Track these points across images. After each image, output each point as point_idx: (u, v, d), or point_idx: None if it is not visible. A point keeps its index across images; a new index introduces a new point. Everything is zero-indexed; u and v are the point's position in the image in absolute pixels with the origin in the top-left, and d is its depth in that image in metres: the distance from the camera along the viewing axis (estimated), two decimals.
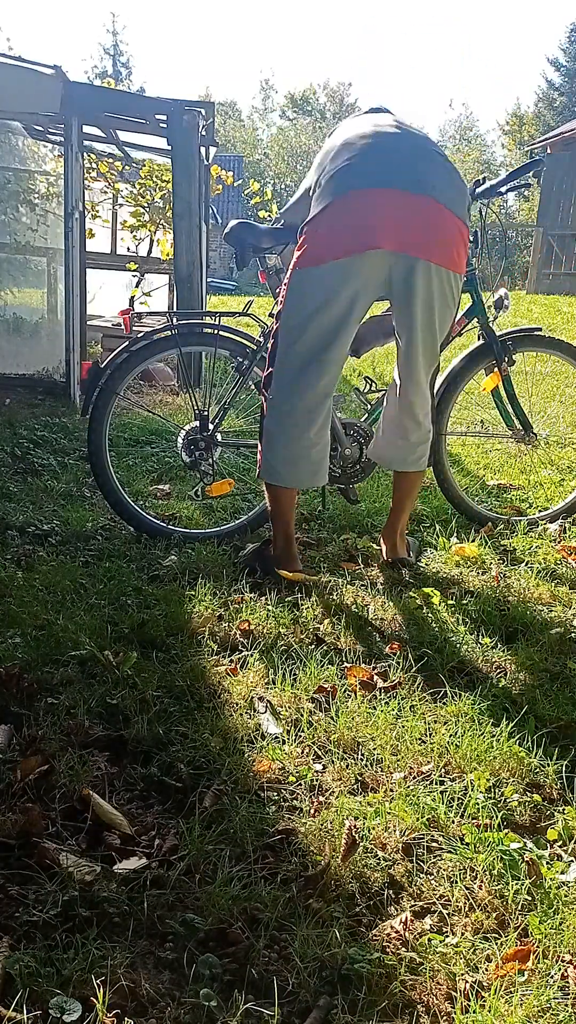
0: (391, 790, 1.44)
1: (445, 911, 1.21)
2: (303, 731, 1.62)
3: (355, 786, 1.47)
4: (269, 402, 2.32)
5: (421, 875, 1.27)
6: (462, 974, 1.09)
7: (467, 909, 1.21)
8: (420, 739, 1.59)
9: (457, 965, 1.10)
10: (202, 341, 2.69)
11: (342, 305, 2.17)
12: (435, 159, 2.17)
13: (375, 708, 1.68)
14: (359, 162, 2.13)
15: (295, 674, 1.81)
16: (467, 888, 1.24)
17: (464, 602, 2.24)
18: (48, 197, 6.13)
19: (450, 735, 1.59)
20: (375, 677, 1.83)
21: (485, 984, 1.07)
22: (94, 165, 6.76)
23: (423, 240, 2.11)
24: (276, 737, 1.59)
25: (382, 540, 2.58)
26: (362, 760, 1.53)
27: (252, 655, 1.90)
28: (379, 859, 1.29)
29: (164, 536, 2.67)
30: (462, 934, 1.16)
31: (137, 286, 7.16)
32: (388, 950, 1.12)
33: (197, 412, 2.68)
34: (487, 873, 1.25)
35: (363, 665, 1.89)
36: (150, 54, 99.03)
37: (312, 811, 1.39)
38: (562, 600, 2.28)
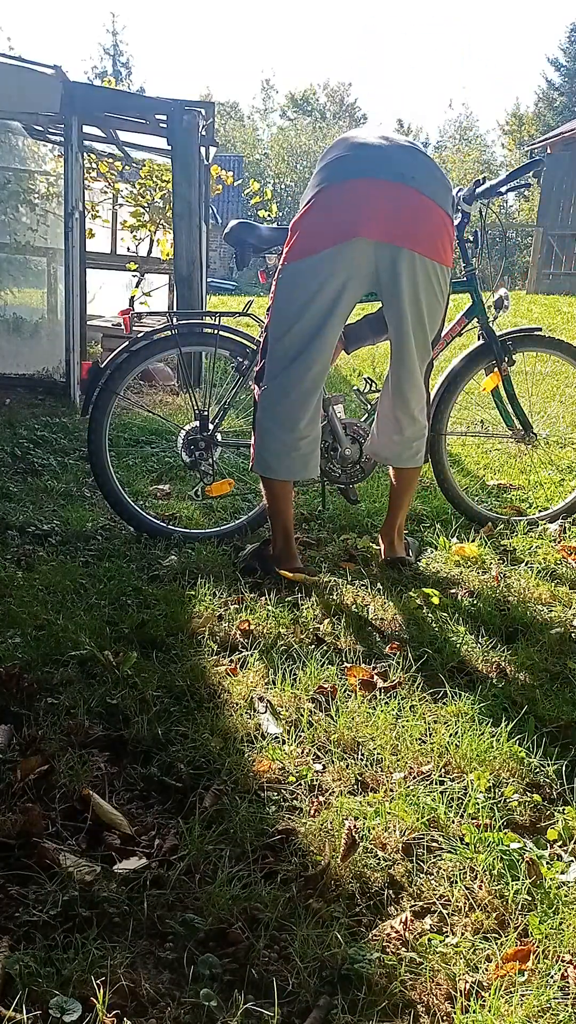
0: (391, 790, 1.44)
1: (445, 911, 1.21)
2: (303, 731, 1.62)
3: (355, 786, 1.47)
4: (261, 395, 2.34)
5: (421, 875, 1.27)
6: (462, 974, 1.09)
7: (467, 909, 1.21)
8: (420, 739, 1.59)
9: (457, 965, 1.10)
10: (202, 341, 2.69)
11: (329, 296, 2.20)
12: (417, 156, 2.21)
13: (375, 708, 1.68)
14: (342, 159, 2.19)
15: (295, 674, 1.81)
16: (467, 888, 1.24)
17: (464, 602, 2.24)
18: (48, 197, 6.13)
19: (450, 735, 1.59)
20: (375, 677, 1.83)
21: (485, 984, 1.07)
22: (94, 165, 6.76)
23: (406, 230, 2.14)
24: (276, 737, 1.59)
25: (380, 539, 2.58)
26: (362, 760, 1.53)
27: (252, 655, 1.90)
28: (379, 859, 1.29)
29: (164, 536, 2.67)
30: (462, 934, 1.16)
31: (137, 286, 7.17)
32: (388, 950, 1.12)
33: (197, 412, 2.69)
34: (487, 873, 1.25)
35: (363, 665, 1.89)
36: (150, 54, 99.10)
37: (312, 811, 1.39)
38: (562, 600, 2.28)
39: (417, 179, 2.14)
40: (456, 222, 2.59)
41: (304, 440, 2.32)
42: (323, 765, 1.52)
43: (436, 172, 2.21)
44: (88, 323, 6.30)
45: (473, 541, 2.69)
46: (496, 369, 2.81)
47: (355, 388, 2.86)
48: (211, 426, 2.68)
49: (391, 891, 1.24)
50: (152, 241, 7.33)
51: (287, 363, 2.27)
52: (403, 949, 1.12)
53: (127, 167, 6.93)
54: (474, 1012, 1.02)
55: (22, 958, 1.06)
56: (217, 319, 2.66)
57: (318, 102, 49.42)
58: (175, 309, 5.44)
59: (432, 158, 2.26)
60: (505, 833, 1.31)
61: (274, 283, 2.29)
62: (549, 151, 17.55)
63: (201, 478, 2.73)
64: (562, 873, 1.25)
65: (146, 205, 6.95)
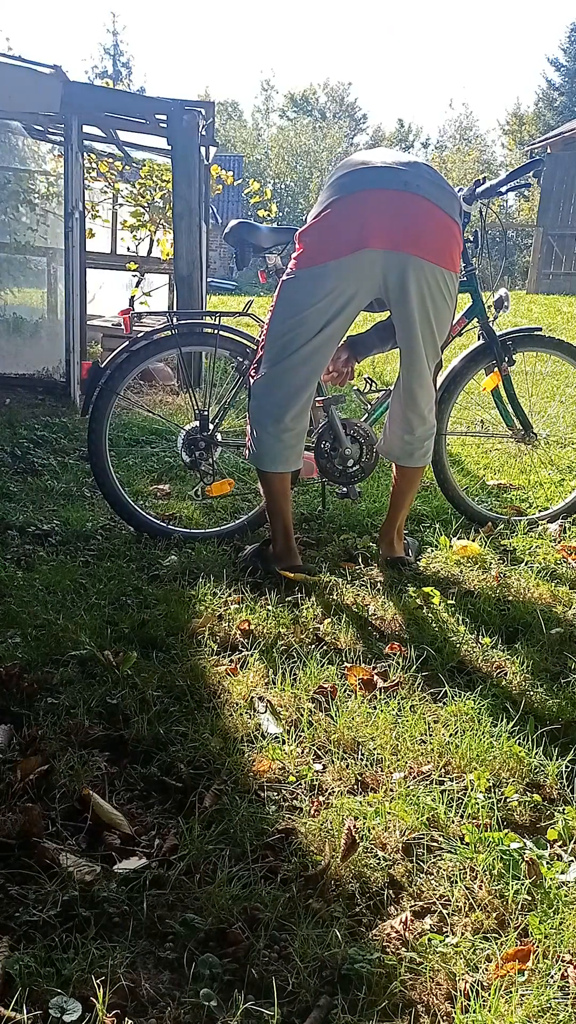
0: (391, 790, 1.44)
1: (445, 911, 1.21)
2: (303, 731, 1.62)
3: (355, 786, 1.47)
4: (253, 386, 2.38)
5: (421, 875, 1.27)
6: (462, 974, 1.09)
7: (467, 909, 1.21)
8: (420, 739, 1.59)
9: (457, 965, 1.10)
10: (202, 341, 2.69)
11: (333, 304, 2.23)
12: (421, 167, 2.24)
13: (375, 708, 1.68)
14: (348, 175, 2.23)
15: (295, 674, 1.81)
16: (467, 888, 1.24)
17: (464, 602, 2.24)
18: (48, 197, 6.13)
19: (450, 735, 1.59)
20: (375, 677, 1.83)
21: (485, 984, 1.07)
22: (94, 165, 6.75)
23: (412, 237, 2.16)
24: (276, 737, 1.59)
25: (380, 539, 2.58)
26: (362, 760, 1.53)
27: (252, 655, 1.90)
28: (379, 859, 1.29)
29: (164, 536, 2.67)
30: (462, 934, 1.16)
31: (137, 286, 7.16)
32: (388, 950, 1.12)
33: (197, 412, 2.69)
34: (487, 873, 1.25)
35: (363, 665, 1.89)
36: (150, 54, 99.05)
37: (312, 811, 1.39)
38: (562, 600, 2.28)
39: (421, 187, 2.16)
40: None
41: (288, 433, 2.36)
42: (323, 765, 1.52)
43: (441, 181, 2.24)
44: (88, 323, 6.29)
45: (473, 541, 2.69)
46: (496, 369, 2.81)
47: (355, 388, 2.86)
48: (211, 426, 2.68)
49: (391, 891, 1.24)
50: (152, 241, 7.32)
51: (282, 358, 2.29)
52: (403, 949, 1.13)
53: (127, 167, 6.93)
54: (474, 1012, 1.02)
55: (22, 958, 1.06)
56: (217, 319, 2.66)
57: (318, 102, 49.42)
58: (175, 309, 5.44)
59: (437, 171, 2.29)
60: (505, 833, 1.31)
61: (279, 286, 2.31)
62: (549, 151, 17.54)
63: (201, 478, 2.73)
64: (562, 873, 1.25)
65: (146, 205, 6.95)
